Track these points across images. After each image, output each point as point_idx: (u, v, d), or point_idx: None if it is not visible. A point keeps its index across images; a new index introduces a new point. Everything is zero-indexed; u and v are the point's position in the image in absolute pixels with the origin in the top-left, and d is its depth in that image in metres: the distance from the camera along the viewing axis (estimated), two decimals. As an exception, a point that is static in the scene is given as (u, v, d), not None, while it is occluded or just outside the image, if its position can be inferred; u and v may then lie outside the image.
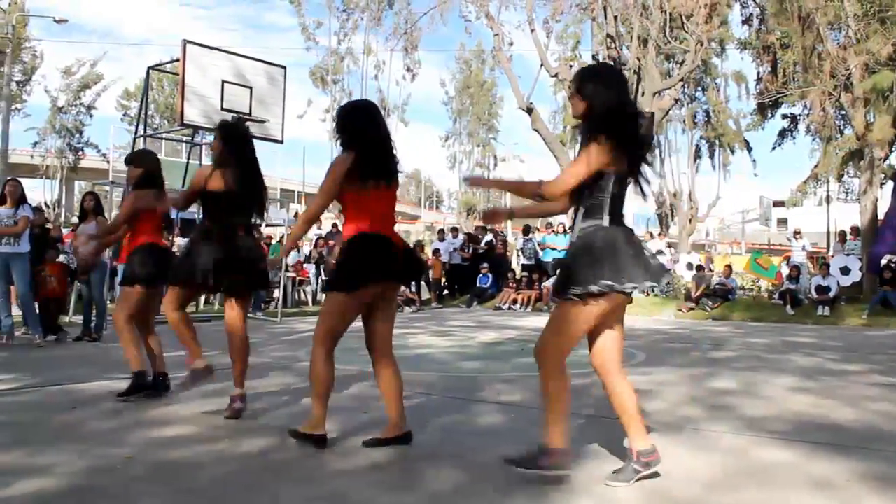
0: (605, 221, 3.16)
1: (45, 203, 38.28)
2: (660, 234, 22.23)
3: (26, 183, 8.96)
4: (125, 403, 4.91)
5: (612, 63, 3.39)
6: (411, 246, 4.20)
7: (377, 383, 3.91)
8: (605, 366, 3.24)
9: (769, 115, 25.98)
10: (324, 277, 17.21)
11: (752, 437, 4.18)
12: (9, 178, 9.27)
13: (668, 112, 22.13)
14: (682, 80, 21.16)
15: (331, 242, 18.69)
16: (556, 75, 20.37)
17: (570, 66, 23.18)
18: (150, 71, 15.37)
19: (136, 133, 15.22)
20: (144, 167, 5.32)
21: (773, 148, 26.69)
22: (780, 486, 3.30)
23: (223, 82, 12.61)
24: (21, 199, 8.42)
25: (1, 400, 5.14)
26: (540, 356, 3.23)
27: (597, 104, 3.17)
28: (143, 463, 3.55)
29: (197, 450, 3.81)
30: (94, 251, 8.29)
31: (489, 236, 19.85)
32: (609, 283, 3.04)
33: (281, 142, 13.85)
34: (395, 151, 3.87)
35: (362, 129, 3.80)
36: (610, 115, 3.14)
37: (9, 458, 3.58)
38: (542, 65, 19.80)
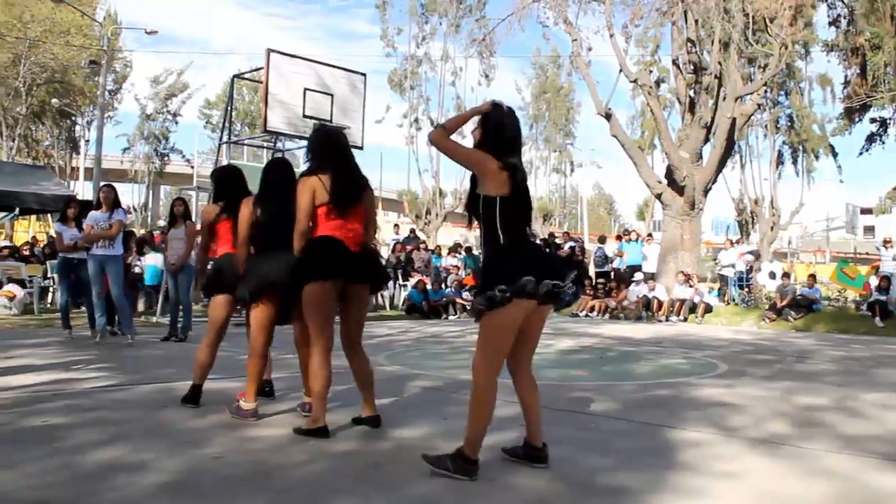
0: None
1: (133, 207, 39.81)
2: (739, 242, 21.64)
3: (117, 188, 9.32)
4: (213, 405, 5.02)
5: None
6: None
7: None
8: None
9: (857, 119, 25.09)
10: (401, 282, 17.34)
11: (856, 458, 3.98)
12: (103, 183, 9.65)
13: (750, 117, 21.52)
14: (765, 84, 20.54)
15: (408, 247, 18.85)
16: (635, 80, 20.05)
17: (650, 72, 22.79)
18: (235, 79, 15.85)
19: (220, 140, 15.69)
20: (214, 184, 5.55)
21: (861, 153, 25.81)
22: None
23: (305, 90, 12.88)
24: (115, 204, 8.76)
25: (97, 397, 5.35)
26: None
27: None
28: (232, 463, 3.64)
29: (284, 451, 3.89)
30: (183, 255, 8.62)
31: (571, 243, 19.74)
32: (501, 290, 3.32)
33: (361, 148, 14.08)
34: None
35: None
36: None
37: (109, 454, 3.72)
38: (620, 70, 19.51)
